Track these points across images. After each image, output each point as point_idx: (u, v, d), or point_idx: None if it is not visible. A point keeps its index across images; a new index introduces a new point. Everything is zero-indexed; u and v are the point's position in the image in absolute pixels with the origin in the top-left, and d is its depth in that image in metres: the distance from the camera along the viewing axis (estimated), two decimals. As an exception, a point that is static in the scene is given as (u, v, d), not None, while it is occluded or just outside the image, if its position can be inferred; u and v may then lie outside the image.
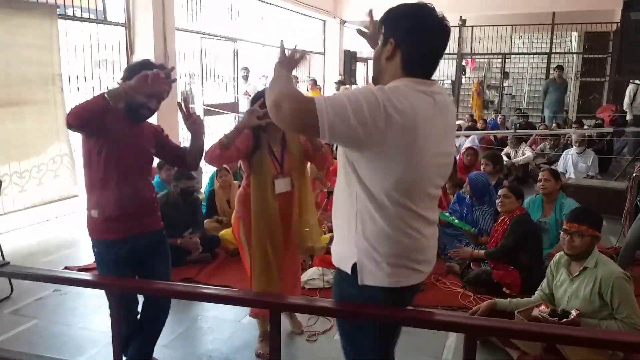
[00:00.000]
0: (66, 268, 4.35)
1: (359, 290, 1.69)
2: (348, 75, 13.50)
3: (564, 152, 7.80)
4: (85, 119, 2.19)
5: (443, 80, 14.91)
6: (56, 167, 5.79)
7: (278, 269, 2.96)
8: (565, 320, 2.78)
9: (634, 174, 5.00)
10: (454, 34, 13.10)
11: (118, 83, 2.38)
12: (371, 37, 1.85)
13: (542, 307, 2.95)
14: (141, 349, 2.69)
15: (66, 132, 5.71)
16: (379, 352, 1.79)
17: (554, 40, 13.41)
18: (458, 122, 11.02)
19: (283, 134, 2.99)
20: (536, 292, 3.25)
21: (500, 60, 14.68)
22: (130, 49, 6.80)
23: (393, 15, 1.66)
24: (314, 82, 11.43)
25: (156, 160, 5.52)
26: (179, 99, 2.57)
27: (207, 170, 6.99)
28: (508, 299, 3.24)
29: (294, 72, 10.93)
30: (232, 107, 9.34)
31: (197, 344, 3.28)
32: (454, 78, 14.02)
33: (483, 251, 4.13)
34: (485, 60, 16.14)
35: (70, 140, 5.79)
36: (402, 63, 1.64)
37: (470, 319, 2.03)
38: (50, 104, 5.55)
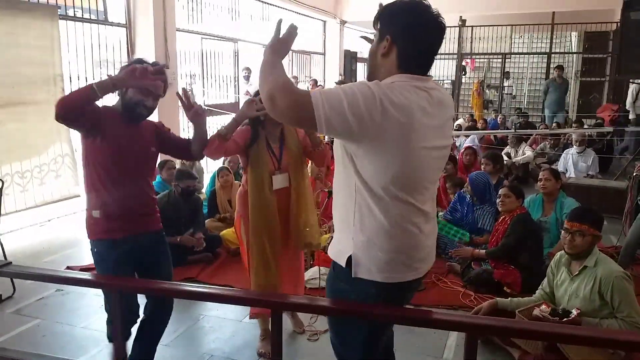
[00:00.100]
0: (68, 268, 4.36)
1: (351, 284, 1.69)
2: (348, 76, 13.50)
3: (564, 152, 7.81)
4: (71, 108, 2.18)
5: (443, 80, 14.91)
6: (58, 167, 5.80)
7: (275, 264, 2.96)
8: (566, 319, 2.78)
9: (635, 174, 5.00)
10: (454, 34, 13.12)
11: (107, 76, 2.38)
12: None
13: (543, 306, 2.95)
14: (143, 349, 2.69)
15: (67, 132, 5.72)
16: (368, 349, 1.79)
17: (554, 40, 13.41)
18: (458, 121, 11.03)
19: (282, 130, 2.99)
20: (537, 291, 3.26)
21: (500, 60, 14.68)
22: (131, 49, 6.81)
23: (389, 12, 1.67)
24: (314, 83, 11.44)
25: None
26: (179, 92, 2.55)
27: (208, 171, 7.01)
28: (509, 299, 3.25)
29: (294, 72, 10.87)
30: (233, 107, 9.33)
31: (198, 344, 3.29)
32: (454, 78, 14.02)
33: (484, 250, 4.14)
34: (485, 60, 16.14)
35: (71, 140, 5.81)
36: (398, 59, 1.64)
37: (471, 318, 2.04)
38: (51, 104, 5.51)
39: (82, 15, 6.47)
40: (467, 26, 13.26)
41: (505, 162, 7.50)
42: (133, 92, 2.39)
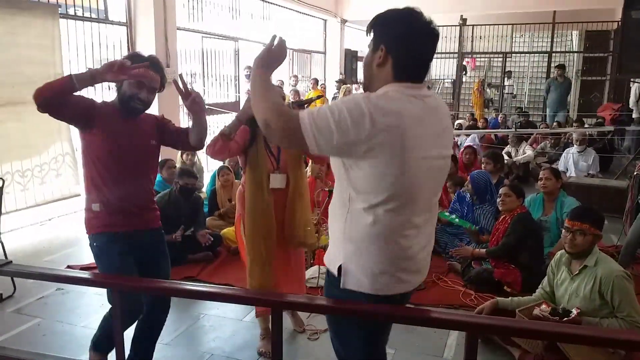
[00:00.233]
0: (68, 267, 4.37)
1: (342, 293, 1.69)
2: (349, 75, 13.50)
3: (565, 151, 7.80)
4: (48, 97, 2.18)
5: (444, 79, 14.92)
6: (58, 166, 5.80)
7: (271, 266, 2.96)
8: (566, 319, 2.78)
9: (635, 173, 5.00)
10: (454, 33, 13.12)
11: (88, 69, 2.38)
12: None
13: (543, 306, 2.95)
14: (143, 348, 2.69)
15: (68, 131, 5.73)
16: (368, 349, 1.79)
17: (555, 39, 13.41)
18: (459, 121, 11.02)
19: None
20: (537, 291, 3.26)
21: (501, 59, 14.67)
22: (131, 48, 6.80)
23: (382, 21, 1.66)
24: (315, 82, 11.44)
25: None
26: (177, 80, 2.43)
27: (208, 170, 7.01)
28: (510, 298, 3.25)
29: (295, 71, 10.86)
30: (234, 106, 9.34)
31: (199, 343, 3.29)
32: (454, 77, 14.01)
33: (484, 250, 4.14)
34: (486, 59, 16.14)
35: (72, 139, 5.81)
36: (393, 69, 1.64)
37: (471, 318, 2.04)
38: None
39: (83, 14, 6.47)
40: (468, 25, 13.25)
41: (505, 161, 7.50)
42: (127, 85, 2.38)
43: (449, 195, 5.40)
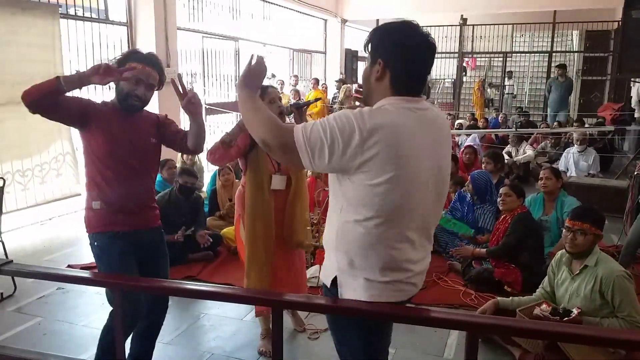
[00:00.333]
0: (69, 266, 4.37)
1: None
2: (349, 74, 13.50)
3: (565, 151, 7.80)
4: (35, 99, 2.19)
5: (444, 79, 14.91)
6: (59, 166, 5.81)
7: (269, 268, 2.96)
8: (566, 318, 2.78)
9: (635, 173, 5.00)
10: (455, 33, 13.12)
11: (76, 72, 2.38)
12: None
13: (544, 305, 2.95)
14: (143, 347, 2.68)
15: (68, 130, 5.73)
16: (368, 349, 1.79)
17: (555, 39, 13.40)
18: (459, 120, 11.03)
19: None
20: (537, 290, 3.26)
21: (501, 59, 14.67)
22: (132, 48, 6.81)
23: (380, 36, 1.66)
24: (316, 82, 11.44)
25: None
26: (175, 80, 2.41)
27: (209, 169, 7.01)
28: (510, 298, 3.25)
29: (295, 71, 10.84)
30: (234, 106, 9.33)
31: (199, 342, 3.29)
32: (454, 77, 14.01)
33: (484, 249, 4.14)
34: (487, 59, 16.14)
35: (72, 138, 5.81)
36: (391, 83, 1.64)
37: (472, 317, 2.04)
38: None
39: (83, 14, 6.48)
40: (468, 25, 13.24)
41: (506, 161, 7.49)
42: (124, 83, 2.37)
43: (449, 195, 5.40)
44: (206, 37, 8.74)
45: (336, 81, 11.99)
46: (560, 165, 7.50)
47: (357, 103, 1.94)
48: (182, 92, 2.38)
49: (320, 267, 4.04)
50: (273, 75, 10.40)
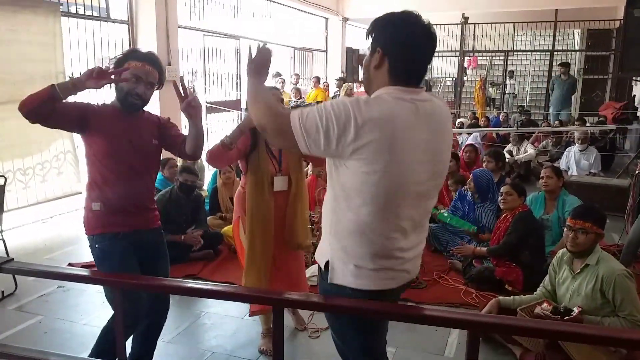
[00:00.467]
0: (69, 265, 4.37)
1: (330, 287, 1.73)
2: (350, 73, 13.45)
3: (567, 150, 7.79)
4: (32, 108, 2.18)
5: (445, 78, 14.89)
6: (60, 165, 5.81)
7: (267, 268, 2.96)
8: (567, 317, 2.78)
9: (637, 172, 4.99)
10: (456, 32, 13.10)
11: (69, 77, 2.37)
12: None
13: (545, 304, 2.95)
14: (144, 346, 2.68)
15: (69, 129, 5.72)
16: (367, 345, 1.80)
17: (557, 38, 13.37)
18: (460, 119, 11.00)
19: None
20: (538, 289, 3.26)
21: (502, 57, 14.65)
22: (133, 46, 6.80)
23: (380, 24, 1.67)
24: (317, 80, 11.43)
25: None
26: (177, 81, 2.39)
27: (209, 168, 7.01)
28: (512, 297, 3.25)
29: (297, 69, 10.85)
30: (235, 104, 9.35)
31: (200, 340, 3.29)
32: (455, 75, 13.99)
33: (485, 248, 4.14)
34: (488, 57, 16.11)
35: (73, 137, 5.81)
36: (389, 72, 1.64)
37: (473, 316, 2.03)
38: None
39: (84, 12, 6.48)
40: (470, 23, 13.23)
41: (507, 159, 7.49)
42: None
43: (450, 194, 5.40)
44: (207, 36, 8.74)
45: (337, 80, 11.97)
46: (562, 164, 7.50)
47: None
48: (182, 94, 2.36)
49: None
50: (278, 74, 10.38)
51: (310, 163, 5.59)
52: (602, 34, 13.28)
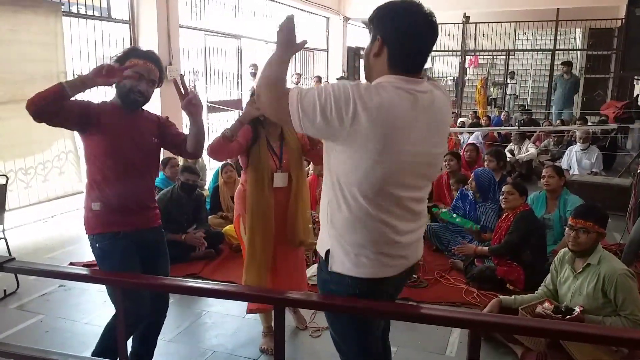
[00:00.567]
0: (71, 264, 4.38)
1: (330, 276, 1.73)
2: (351, 72, 13.48)
3: (568, 149, 7.79)
4: (41, 107, 2.15)
5: (446, 77, 14.89)
6: (61, 164, 5.81)
7: (267, 265, 2.96)
8: (568, 317, 2.78)
9: (639, 171, 4.98)
10: (457, 31, 13.09)
11: (77, 75, 2.36)
12: None
13: (546, 303, 2.95)
14: (144, 345, 2.68)
15: (71, 129, 5.72)
16: (364, 341, 1.80)
17: (558, 37, 13.35)
18: (462, 119, 10.99)
19: (282, 129, 2.99)
20: (539, 288, 3.25)
21: (504, 57, 14.64)
22: (133, 45, 6.81)
23: (381, 12, 1.67)
24: (318, 79, 11.43)
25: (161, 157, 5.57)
26: (177, 80, 2.41)
27: (211, 167, 7.01)
28: (513, 296, 3.24)
29: (297, 69, 10.83)
30: (237, 104, 9.34)
31: (201, 339, 3.29)
32: (457, 75, 13.97)
33: (487, 247, 4.13)
34: (489, 57, 16.10)
35: (75, 136, 5.82)
36: (389, 60, 1.64)
37: (475, 315, 2.03)
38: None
39: (86, 11, 6.48)
40: (471, 23, 13.21)
41: (508, 159, 7.48)
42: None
43: (452, 193, 5.39)
44: (208, 35, 8.74)
45: (337, 79, 11.98)
46: (563, 163, 7.49)
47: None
48: (182, 92, 2.38)
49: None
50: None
51: (311, 162, 5.60)
52: (603, 33, 13.26)
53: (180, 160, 5.51)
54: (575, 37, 15.66)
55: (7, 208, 4.09)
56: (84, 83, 2.19)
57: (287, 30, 1.75)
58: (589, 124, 9.66)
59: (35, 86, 5.41)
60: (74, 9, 6.28)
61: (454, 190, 5.34)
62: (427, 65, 14.61)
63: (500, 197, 4.18)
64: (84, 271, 2.50)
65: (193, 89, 2.47)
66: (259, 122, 2.91)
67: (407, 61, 1.64)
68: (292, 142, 3.00)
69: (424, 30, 1.63)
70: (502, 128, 9.92)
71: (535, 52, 15.99)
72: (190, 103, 2.39)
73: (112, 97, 2.49)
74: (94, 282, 2.95)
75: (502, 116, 11.36)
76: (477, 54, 14.90)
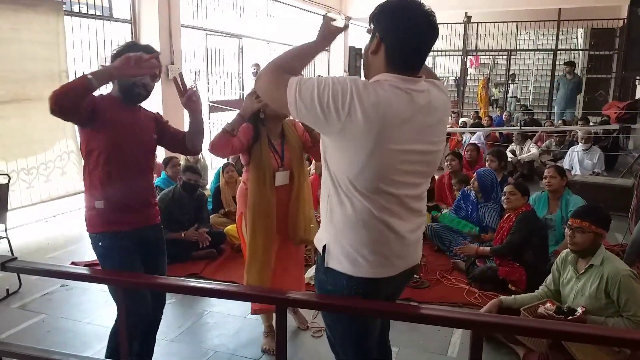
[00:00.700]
0: (73, 263, 4.38)
1: (327, 276, 1.73)
2: (353, 72, 13.47)
3: (570, 149, 7.78)
4: (67, 102, 2.08)
5: (447, 77, 14.87)
6: (63, 165, 5.82)
7: (269, 265, 2.96)
8: (571, 317, 2.77)
9: (641, 171, 4.97)
10: (459, 31, 13.07)
11: (101, 66, 2.32)
12: None
13: (548, 304, 2.94)
14: (142, 347, 2.67)
15: (73, 128, 5.74)
16: (359, 342, 1.80)
17: (560, 37, 13.33)
18: (463, 119, 10.99)
19: (282, 127, 2.99)
20: (540, 288, 3.24)
21: (505, 57, 14.62)
22: (132, 41, 6.80)
23: (381, 10, 1.66)
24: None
25: (161, 157, 5.57)
26: (177, 78, 2.41)
27: (212, 167, 7.02)
28: (513, 297, 3.24)
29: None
30: (238, 103, 9.34)
31: (203, 339, 3.29)
32: (458, 74, 13.96)
33: (488, 248, 4.13)
34: (491, 57, 16.08)
35: (77, 136, 5.82)
36: (386, 58, 1.64)
37: (477, 316, 2.03)
38: (56, 100, 5.56)
39: (87, 11, 6.49)
40: (473, 22, 13.20)
41: (510, 159, 7.48)
42: None
43: (454, 193, 5.39)
44: (210, 35, 8.74)
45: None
46: (565, 163, 7.48)
47: None
48: (182, 90, 2.39)
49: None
50: None
51: (312, 162, 5.60)
52: (605, 33, 13.23)
53: (182, 160, 5.52)
54: (577, 37, 15.65)
55: (9, 208, 4.09)
56: (110, 75, 2.15)
57: (334, 30, 1.80)
58: (591, 124, 9.65)
59: (36, 85, 5.43)
60: (75, 8, 6.29)
61: (455, 191, 5.33)
62: (429, 64, 14.58)
63: (502, 198, 4.18)
64: (85, 271, 2.50)
65: (195, 89, 2.47)
66: (260, 121, 2.91)
67: (405, 60, 1.64)
68: (293, 140, 3.00)
69: (423, 29, 1.62)
70: (504, 128, 9.91)
71: (537, 52, 15.98)
72: (190, 99, 2.41)
73: (111, 90, 2.44)
74: (96, 281, 2.95)
75: (503, 116, 11.35)
76: (479, 53, 14.87)
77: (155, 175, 5.33)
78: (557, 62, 13.12)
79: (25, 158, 5.42)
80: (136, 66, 2.14)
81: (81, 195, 5.84)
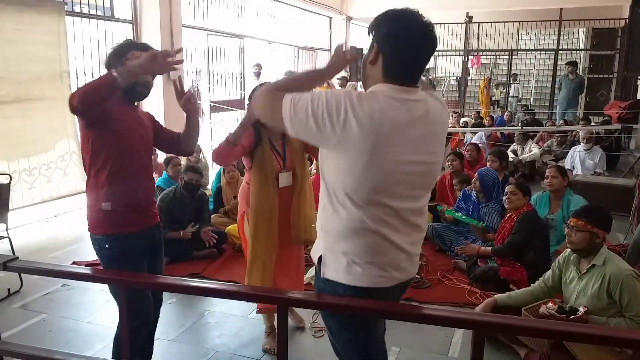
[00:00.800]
0: (74, 263, 4.38)
1: (324, 283, 1.73)
2: (354, 72, 13.44)
3: (571, 149, 7.77)
4: (92, 101, 2.03)
5: (449, 77, 14.87)
6: (65, 165, 5.82)
7: (271, 267, 2.95)
8: (572, 317, 2.77)
9: (642, 171, 4.96)
10: (460, 31, 13.07)
11: (124, 63, 2.26)
12: None
13: (550, 304, 2.94)
14: (143, 347, 2.67)
15: (74, 128, 5.74)
16: (361, 343, 1.80)
17: (561, 37, 13.33)
18: (464, 119, 10.98)
19: None
20: (536, 282, 3.21)
21: (507, 57, 14.61)
22: (129, 39, 6.80)
23: (379, 20, 1.66)
24: (345, 80, 11.39)
25: (162, 157, 5.57)
26: (176, 80, 2.41)
27: (213, 167, 7.01)
28: (507, 293, 3.23)
29: (299, 69, 10.82)
30: (239, 103, 9.35)
31: (204, 339, 3.29)
32: (460, 74, 13.95)
33: (490, 248, 4.12)
34: (492, 57, 16.07)
35: (78, 136, 5.83)
36: (383, 69, 1.63)
37: (478, 316, 2.03)
38: (58, 100, 5.58)
39: (89, 11, 6.50)
40: (474, 22, 13.19)
41: (511, 159, 7.47)
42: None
43: (455, 193, 5.38)
44: (211, 35, 8.74)
45: (338, 79, 11.96)
46: (566, 163, 7.47)
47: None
48: (180, 91, 2.41)
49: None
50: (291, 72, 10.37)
51: (313, 161, 5.60)
52: (607, 32, 13.23)
53: (183, 160, 5.52)
54: (578, 37, 15.63)
55: (10, 207, 4.10)
56: (136, 73, 2.10)
57: (343, 61, 1.85)
58: (593, 124, 9.64)
59: (38, 86, 5.44)
60: (77, 9, 6.31)
61: (457, 191, 5.33)
62: (430, 65, 14.62)
63: (504, 198, 4.17)
64: (86, 271, 2.49)
65: (196, 89, 2.47)
66: (261, 124, 2.91)
67: (402, 71, 1.63)
68: (294, 140, 3.00)
69: (420, 41, 1.61)
70: (505, 128, 9.90)
71: (538, 52, 15.97)
72: (189, 101, 2.42)
73: None
74: (97, 281, 2.95)
75: (505, 116, 11.34)
76: (480, 53, 14.87)
77: (156, 175, 5.34)
78: (559, 62, 13.11)
79: (27, 158, 5.42)
80: (163, 64, 2.11)
81: (82, 194, 5.86)
